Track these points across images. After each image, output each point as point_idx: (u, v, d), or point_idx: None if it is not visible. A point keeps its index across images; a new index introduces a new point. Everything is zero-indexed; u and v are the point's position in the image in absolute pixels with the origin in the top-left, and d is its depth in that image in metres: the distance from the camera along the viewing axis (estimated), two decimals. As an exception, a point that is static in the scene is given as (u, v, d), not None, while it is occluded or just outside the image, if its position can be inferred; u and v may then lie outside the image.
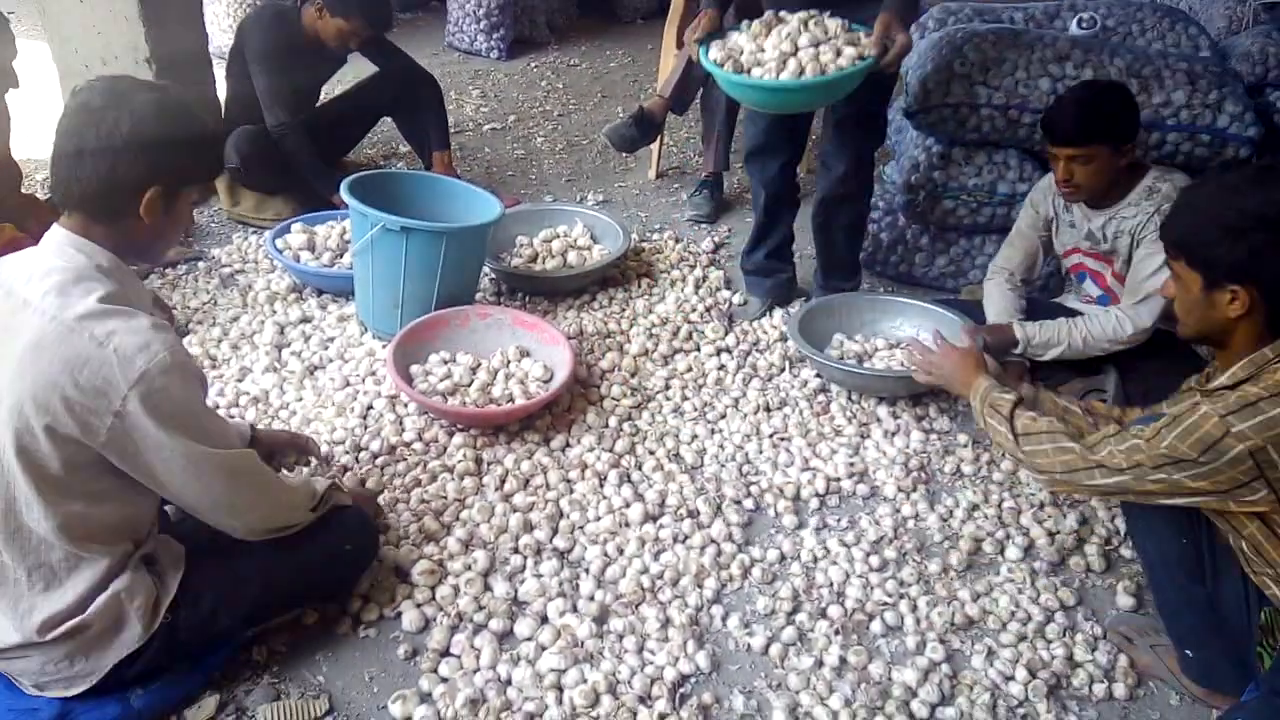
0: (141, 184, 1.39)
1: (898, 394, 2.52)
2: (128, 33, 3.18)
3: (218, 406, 2.32)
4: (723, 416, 2.45)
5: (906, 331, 2.69)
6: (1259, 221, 1.40)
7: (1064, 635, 1.85)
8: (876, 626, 1.85)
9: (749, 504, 2.15)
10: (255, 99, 3.14)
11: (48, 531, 1.40)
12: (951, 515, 2.16)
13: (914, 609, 1.89)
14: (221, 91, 3.44)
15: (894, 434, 2.42)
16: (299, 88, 3.23)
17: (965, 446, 2.39)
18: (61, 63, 3.36)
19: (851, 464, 2.27)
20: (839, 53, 2.23)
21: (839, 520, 2.13)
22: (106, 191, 1.39)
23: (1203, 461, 1.41)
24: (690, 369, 2.63)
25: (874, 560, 2.00)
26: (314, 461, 2.07)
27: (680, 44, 3.76)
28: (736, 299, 3.02)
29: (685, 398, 2.52)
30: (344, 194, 2.52)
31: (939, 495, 2.24)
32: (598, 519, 2.07)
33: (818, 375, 2.62)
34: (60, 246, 1.41)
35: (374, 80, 3.50)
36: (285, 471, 1.94)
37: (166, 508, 1.80)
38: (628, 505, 2.09)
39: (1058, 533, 2.10)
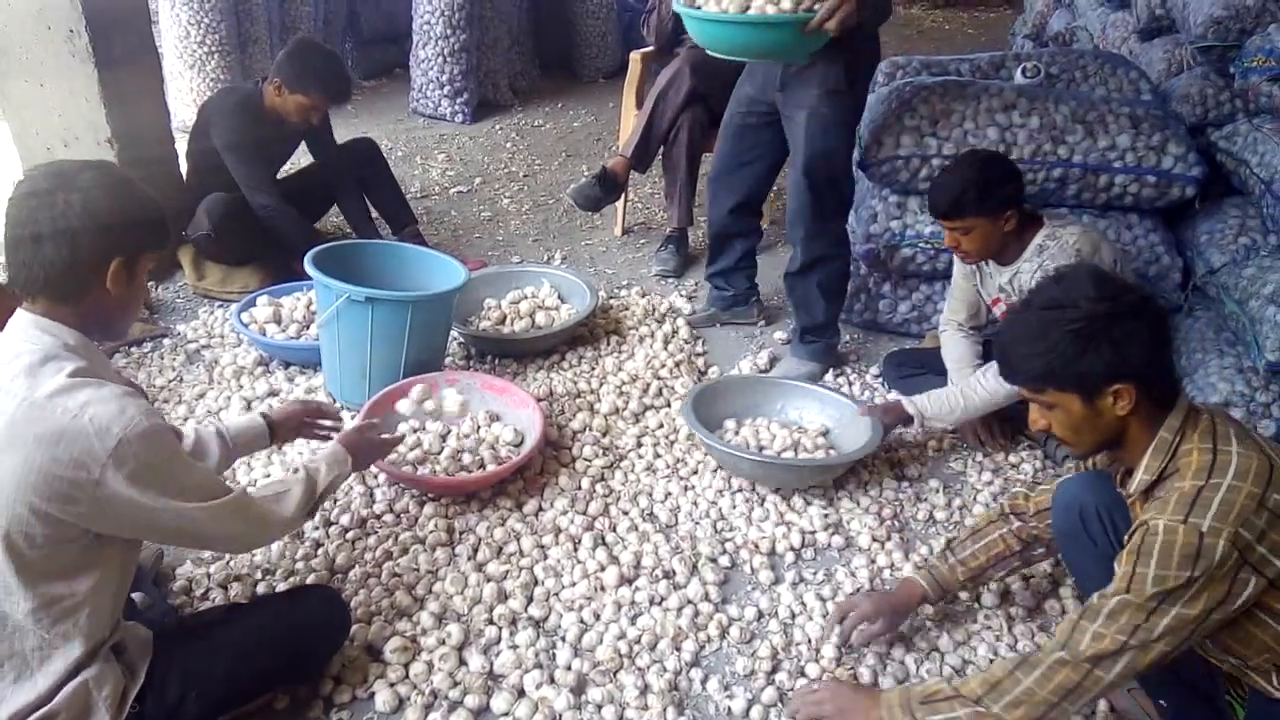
0: (104, 258, 1.41)
1: (791, 485, 2.37)
2: (88, 113, 3.19)
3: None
4: (694, 472, 2.45)
5: (790, 416, 2.60)
6: (1106, 319, 1.41)
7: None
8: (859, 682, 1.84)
9: (724, 561, 2.14)
10: (218, 172, 3.17)
11: (24, 615, 1.38)
12: (926, 563, 2.16)
13: (894, 663, 1.88)
14: (182, 164, 3.46)
15: (866, 483, 2.43)
16: (271, 164, 3.27)
17: (937, 493, 2.40)
18: (22, 145, 3.36)
19: (825, 515, 2.28)
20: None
21: (815, 574, 2.13)
22: (69, 271, 1.40)
23: (1196, 577, 1.32)
24: (662, 425, 2.64)
25: (851, 613, 1.99)
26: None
27: (639, 104, 3.84)
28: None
29: (658, 455, 2.52)
30: (308, 267, 2.52)
31: (913, 543, 2.24)
32: (573, 584, 2.05)
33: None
34: (26, 329, 1.41)
35: (322, 166, 3.55)
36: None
37: (134, 595, 1.78)
38: (603, 569, 2.08)
39: (1032, 577, 2.11)
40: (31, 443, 1.31)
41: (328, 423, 2.12)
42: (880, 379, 2.93)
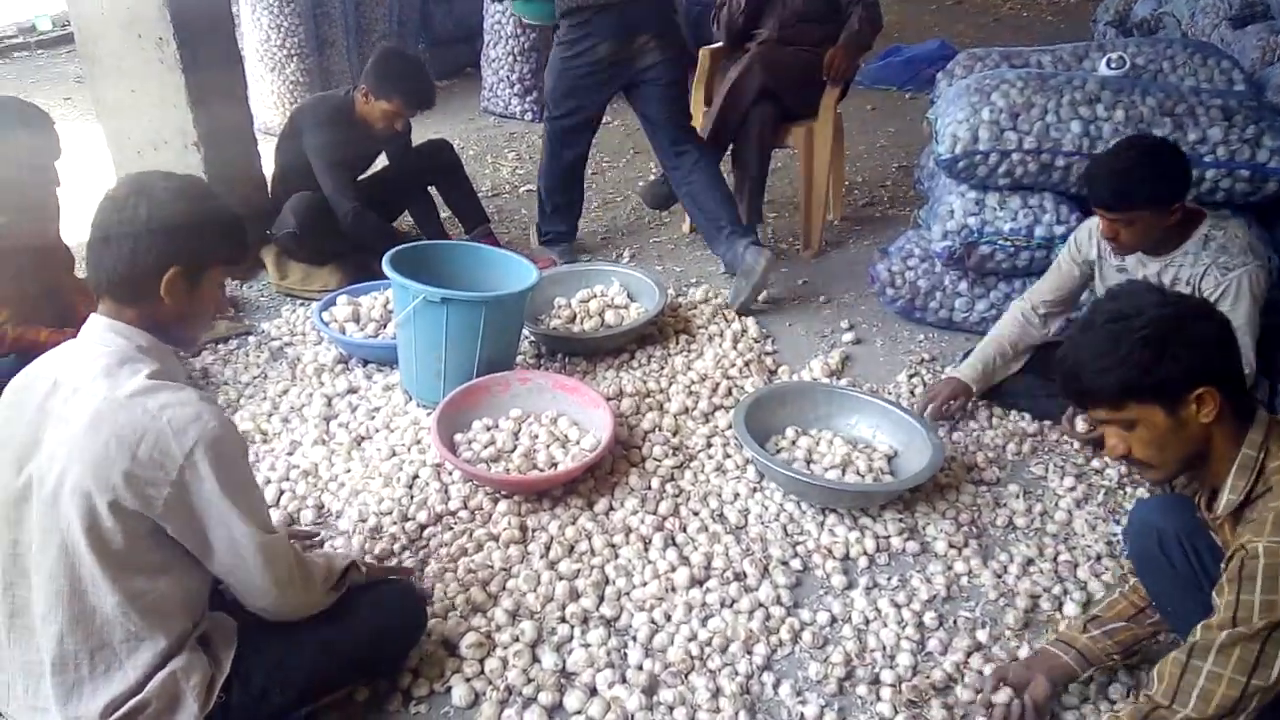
0: (161, 265, 1.45)
1: (847, 506, 2.29)
2: (176, 117, 3.31)
3: (269, 481, 2.37)
4: (764, 475, 2.43)
5: (862, 431, 2.53)
6: (1175, 321, 1.37)
7: (1128, 695, 1.79)
8: (933, 692, 1.81)
9: (796, 564, 2.13)
10: (304, 174, 3.27)
11: (112, 608, 1.43)
12: (1006, 571, 2.12)
13: (973, 672, 1.85)
14: (268, 166, 3.57)
15: (944, 487, 2.38)
16: (356, 169, 3.38)
17: (1016, 498, 2.35)
18: (115, 146, 3.50)
19: (901, 520, 2.24)
20: None
21: (889, 579, 2.10)
22: (128, 274, 1.45)
23: None
24: (731, 425, 2.62)
25: (928, 620, 1.97)
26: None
27: (709, 100, 3.82)
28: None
29: (727, 455, 2.51)
30: (386, 268, 2.58)
31: (992, 550, 2.19)
32: (644, 584, 2.06)
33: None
34: (99, 333, 1.48)
35: (399, 169, 3.62)
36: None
37: (221, 586, 1.84)
38: (673, 569, 2.08)
39: (1116, 585, 2.05)
40: (113, 440, 1.36)
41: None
42: (956, 379, 2.87)
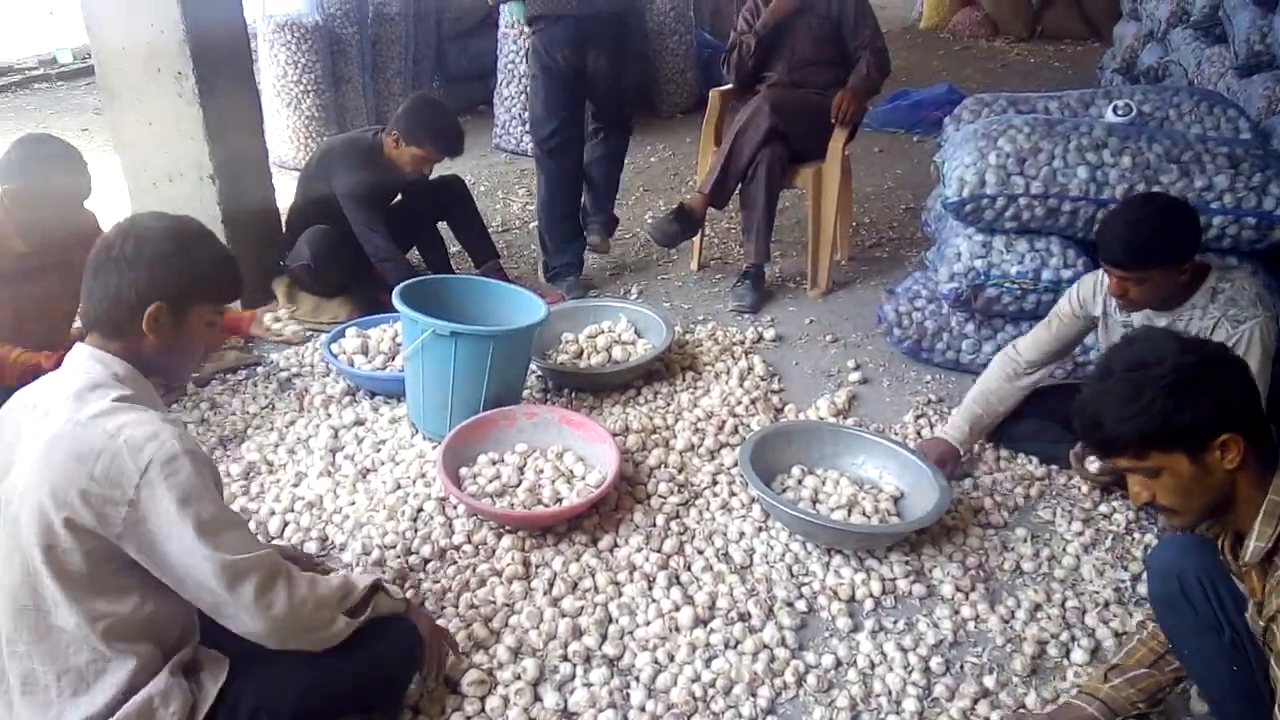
0: (143, 299, 1.47)
1: (853, 548, 2.28)
2: (192, 150, 3.35)
3: (273, 513, 2.36)
4: (769, 514, 2.42)
5: (869, 471, 2.51)
6: (1196, 368, 1.36)
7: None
8: (939, 738, 1.79)
9: (801, 605, 2.11)
10: (322, 210, 3.32)
11: (74, 629, 1.42)
12: (1013, 616, 2.10)
13: (980, 719, 1.82)
14: (283, 199, 3.61)
15: (950, 530, 2.36)
16: (382, 209, 3.45)
17: (1024, 542, 2.33)
18: (131, 178, 3.55)
19: (907, 562, 2.22)
20: None
21: (895, 623, 2.08)
22: (112, 308, 1.48)
23: None
24: (736, 463, 2.62)
25: (935, 665, 1.94)
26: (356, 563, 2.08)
27: (718, 141, 3.87)
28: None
29: (733, 493, 2.51)
30: (396, 301, 2.60)
31: (999, 595, 2.18)
32: (647, 623, 2.04)
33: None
34: (80, 359, 1.50)
35: (413, 203, 3.66)
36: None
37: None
38: (677, 608, 2.07)
39: (1125, 632, 2.03)
40: (70, 459, 1.37)
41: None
42: (963, 422, 2.87)
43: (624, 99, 3.81)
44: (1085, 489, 2.52)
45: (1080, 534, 2.36)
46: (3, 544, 1.43)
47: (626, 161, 4.09)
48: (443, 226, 3.76)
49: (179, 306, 1.51)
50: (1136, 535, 2.37)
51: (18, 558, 1.41)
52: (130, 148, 3.47)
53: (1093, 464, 2.43)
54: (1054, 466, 2.62)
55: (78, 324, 2.64)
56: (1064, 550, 2.31)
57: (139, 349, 1.51)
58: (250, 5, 3.59)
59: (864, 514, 2.32)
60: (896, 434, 2.80)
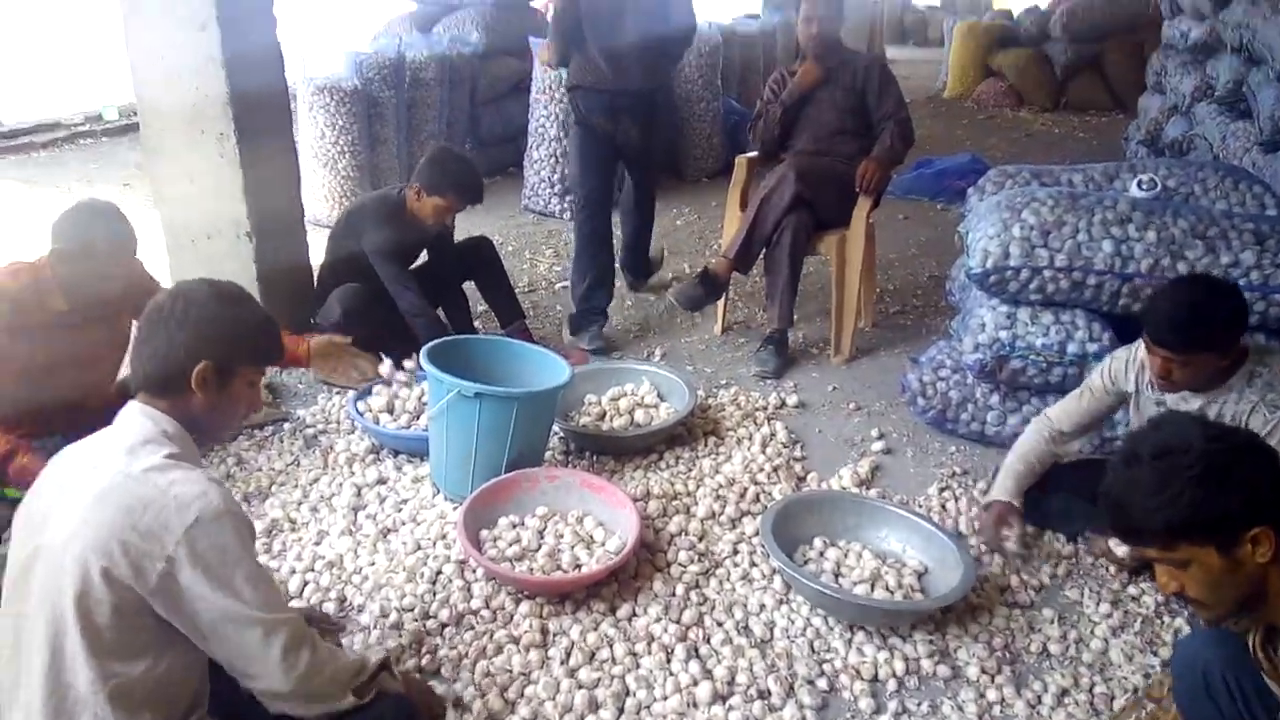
0: (191, 359, 1.53)
1: (877, 624, 2.23)
2: (230, 209, 3.45)
3: (294, 572, 2.37)
4: (790, 586, 2.39)
5: (892, 545, 2.48)
6: (1226, 457, 1.33)
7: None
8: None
9: (822, 684, 2.07)
10: (353, 268, 3.40)
11: (84, 687, 1.42)
12: (1040, 701, 2.04)
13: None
14: (316, 256, 3.68)
15: (976, 609, 2.32)
16: (407, 263, 3.53)
17: (1051, 623, 2.28)
18: (170, 235, 3.64)
19: (931, 642, 2.18)
20: None
21: (919, 705, 2.03)
22: (161, 367, 1.54)
23: None
24: (758, 533, 2.60)
25: (958, 750, 1.90)
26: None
27: (744, 207, 3.92)
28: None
29: (754, 563, 2.48)
30: (423, 361, 2.63)
31: (1025, 678, 2.12)
32: (664, 698, 2.01)
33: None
34: (131, 416, 1.55)
35: (440, 264, 3.73)
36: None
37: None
38: (695, 683, 2.04)
39: (1156, 722, 1.97)
40: (119, 511, 1.40)
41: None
42: (988, 494, 2.83)
43: (652, 164, 4.15)
44: (1113, 569, 2.47)
45: (1109, 616, 2.31)
46: (34, 594, 1.44)
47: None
48: (469, 286, 3.81)
49: (224, 367, 1.57)
50: (1166, 619, 2.32)
51: (48, 607, 1.42)
52: (170, 204, 3.57)
53: (1119, 547, 2.39)
54: (1081, 544, 2.57)
55: (124, 373, 2.71)
56: (1092, 633, 2.26)
57: (186, 407, 1.56)
58: (291, 67, 3.70)
59: (887, 589, 2.29)
60: (920, 506, 2.77)
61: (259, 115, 3.42)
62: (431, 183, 3.35)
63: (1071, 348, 2.89)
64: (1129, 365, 2.41)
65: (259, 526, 2.54)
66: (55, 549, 1.43)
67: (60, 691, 1.43)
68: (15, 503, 2.45)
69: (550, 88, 5.51)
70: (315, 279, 3.68)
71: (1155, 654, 2.19)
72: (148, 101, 3.43)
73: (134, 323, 2.71)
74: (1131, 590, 2.41)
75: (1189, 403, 2.26)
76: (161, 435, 1.52)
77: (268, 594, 1.51)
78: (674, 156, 6.44)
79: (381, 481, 2.80)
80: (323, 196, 5.27)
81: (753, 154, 4.09)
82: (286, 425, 3.13)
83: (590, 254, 3.94)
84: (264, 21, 3.43)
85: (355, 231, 3.42)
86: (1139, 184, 3.19)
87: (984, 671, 2.10)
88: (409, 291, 3.34)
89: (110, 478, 1.44)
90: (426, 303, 3.38)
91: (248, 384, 1.63)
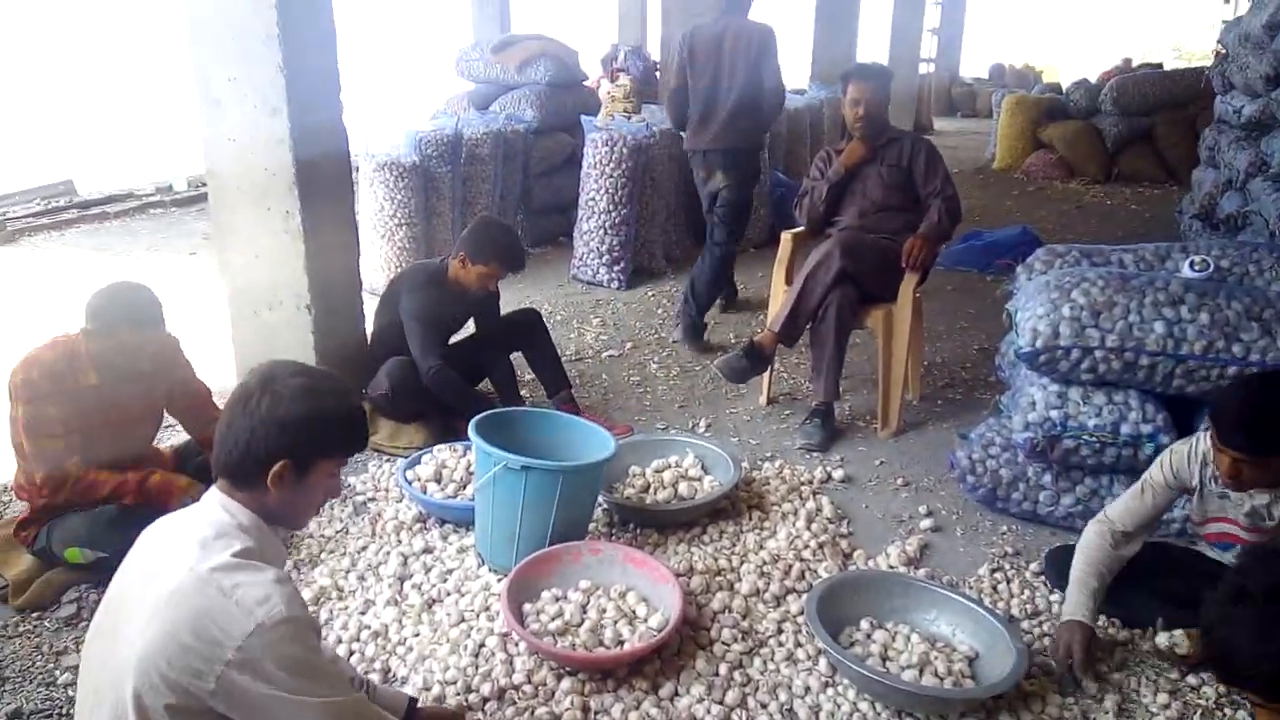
0: (270, 458, 1.52)
1: (925, 712, 2.19)
2: (292, 282, 3.58)
3: (340, 641, 2.39)
4: (835, 669, 2.35)
5: (941, 628, 2.42)
6: None
7: None
8: None
9: (868, 772, 2.02)
10: (399, 337, 3.48)
11: None
12: (1096, 799, 1.97)
13: None
14: (368, 322, 3.80)
15: (1029, 696, 2.25)
16: (447, 330, 3.61)
17: (1107, 714, 2.20)
18: (234, 305, 3.78)
19: (979, 730, 2.13)
20: None
21: (968, 798, 1.97)
22: (240, 461, 1.53)
23: None
24: (803, 611, 2.56)
25: None
26: None
27: (789, 281, 3.95)
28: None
29: (799, 643, 2.44)
30: (471, 433, 2.68)
31: (1079, 773, 2.05)
32: (707, 782, 1.98)
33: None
34: (210, 505, 1.57)
35: (488, 334, 3.83)
36: None
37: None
38: (738, 768, 2.00)
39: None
40: (182, 613, 1.41)
41: None
42: (1041, 576, 2.77)
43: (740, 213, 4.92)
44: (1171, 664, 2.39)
45: (1166, 706, 2.23)
46: (108, 673, 1.46)
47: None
48: (516, 357, 3.88)
49: (303, 464, 1.55)
50: (1228, 710, 2.23)
51: (111, 695, 1.44)
52: (235, 275, 3.72)
53: (1173, 636, 2.30)
54: (1137, 631, 2.49)
55: (177, 437, 2.79)
56: (1152, 725, 2.18)
57: (263, 500, 1.56)
58: (353, 143, 3.87)
59: (936, 675, 2.24)
60: (970, 588, 2.72)
61: (323, 195, 3.56)
62: (475, 250, 3.46)
63: (1125, 429, 2.84)
64: (1190, 459, 2.35)
65: (307, 595, 2.59)
66: (124, 642, 1.45)
67: None
68: (77, 568, 2.58)
69: (600, 163, 5.66)
70: (368, 348, 3.78)
71: (1219, 752, 2.10)
72: (218, 179, 3.60)
73: (166, 391, 2.83)
74: (1191, 679, 2.33)
75: (1255, 498, 2.20)
76: (236, 528, 1.52)
77: (332, 681, 1.50)
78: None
79: (428, 551, 2.83)
80: (379, 266, 5.44)
81: (799, 229, 4.14)
82: (338, 492, 3.18)
83: (718, 279, 5.00)
84: (331, 104, 3.60)
85: (396, 299, 3.54)
86: (1191, 264, 3.16)
87: (1037, 765, 2.04)
88: (431, 357, 3.38)
89: (180, 576, 1.44)
90: (451, 371, 3.40)
91: (328, 475, 1.62)
